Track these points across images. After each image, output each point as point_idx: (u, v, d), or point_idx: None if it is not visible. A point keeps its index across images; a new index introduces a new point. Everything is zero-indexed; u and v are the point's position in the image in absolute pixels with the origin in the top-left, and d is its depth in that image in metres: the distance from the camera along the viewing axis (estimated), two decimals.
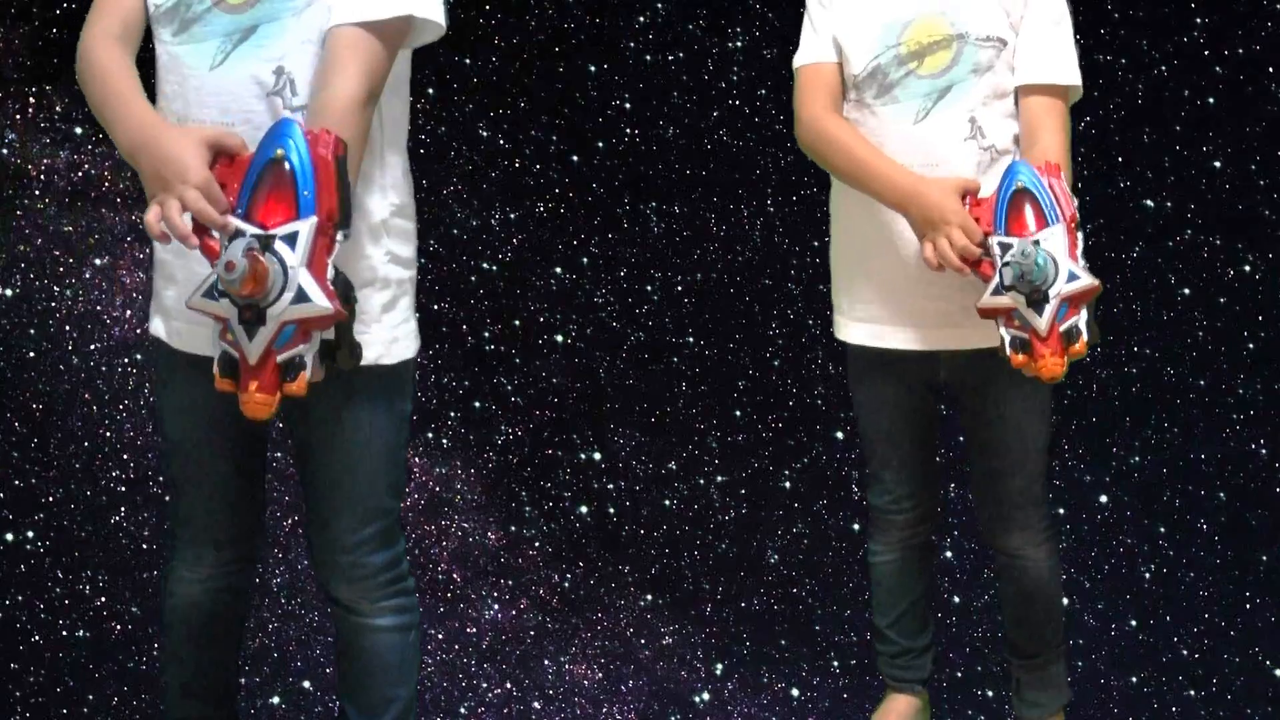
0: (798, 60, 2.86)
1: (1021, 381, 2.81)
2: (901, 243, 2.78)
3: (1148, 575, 4.25)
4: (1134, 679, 3.87)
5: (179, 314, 2.35)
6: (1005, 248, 2.48)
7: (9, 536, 4.08)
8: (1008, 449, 2.88)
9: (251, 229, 2.02)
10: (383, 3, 2.21)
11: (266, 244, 2.02)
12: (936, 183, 2.60)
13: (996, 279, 2.48)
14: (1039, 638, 3.01)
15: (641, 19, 4.48)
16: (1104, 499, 4.44)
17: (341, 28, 2.20)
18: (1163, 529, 4.36)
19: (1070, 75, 2.73)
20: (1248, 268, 4.46)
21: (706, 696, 3.72)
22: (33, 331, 4.22)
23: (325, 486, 2.42)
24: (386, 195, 2.37)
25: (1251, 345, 4.47)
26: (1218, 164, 4.41)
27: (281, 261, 2.01)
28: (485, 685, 4.15)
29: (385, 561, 2.45)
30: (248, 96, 2.24)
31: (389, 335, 2.39)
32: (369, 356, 2.31)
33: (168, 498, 2.57)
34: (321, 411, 2.37)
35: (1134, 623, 4.12)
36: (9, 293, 4.22)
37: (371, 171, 2.34)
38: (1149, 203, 4.43)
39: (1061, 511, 4.41)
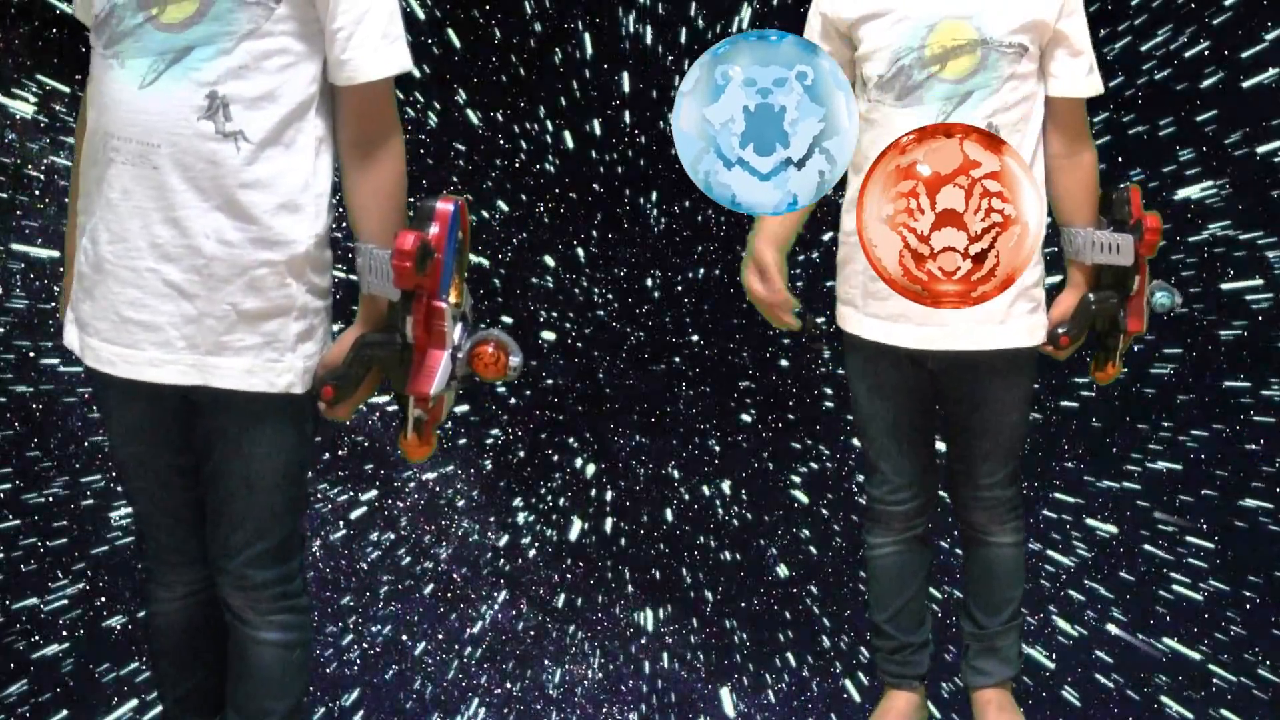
0: None
1: (1005, 380, 2.89)
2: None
3: (1149, 577, 4.24)
4: (1134, 681, 3.86)
5: (94, 330, 2.33)
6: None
7: (7, 536, 4.08)
8: (983, 438, 2.95)
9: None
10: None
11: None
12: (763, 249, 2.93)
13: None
14: (994, 613, 3.08)
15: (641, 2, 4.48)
16: (1106, 500, 4.43)
17: None
18: (1165, 529, 4.35)
19: (1099, 85, 2.81)
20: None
21: (707, 698, 3.71)
22: (32, 331, 4.23)
23: (222, 501, 2.40)
24: (312, 225, 2.35)
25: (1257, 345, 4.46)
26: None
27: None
28: (485, 685, 4.14)
29: (276, 576, 2.44)
30: (175, 118, 2.22)
31: (303, 364, 2.37)
32: (280, 384, 2.33)
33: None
34: (233, 432, 2.37)
35: (1134, 624, 4.11)
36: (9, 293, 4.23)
37: (303, 201, 2.32)
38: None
39: (1091, 522, 4.41)
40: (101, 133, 2.27)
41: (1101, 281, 2.89)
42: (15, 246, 4.22)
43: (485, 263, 4.48)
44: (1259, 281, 4.45)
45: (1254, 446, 4.35)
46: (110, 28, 2.25)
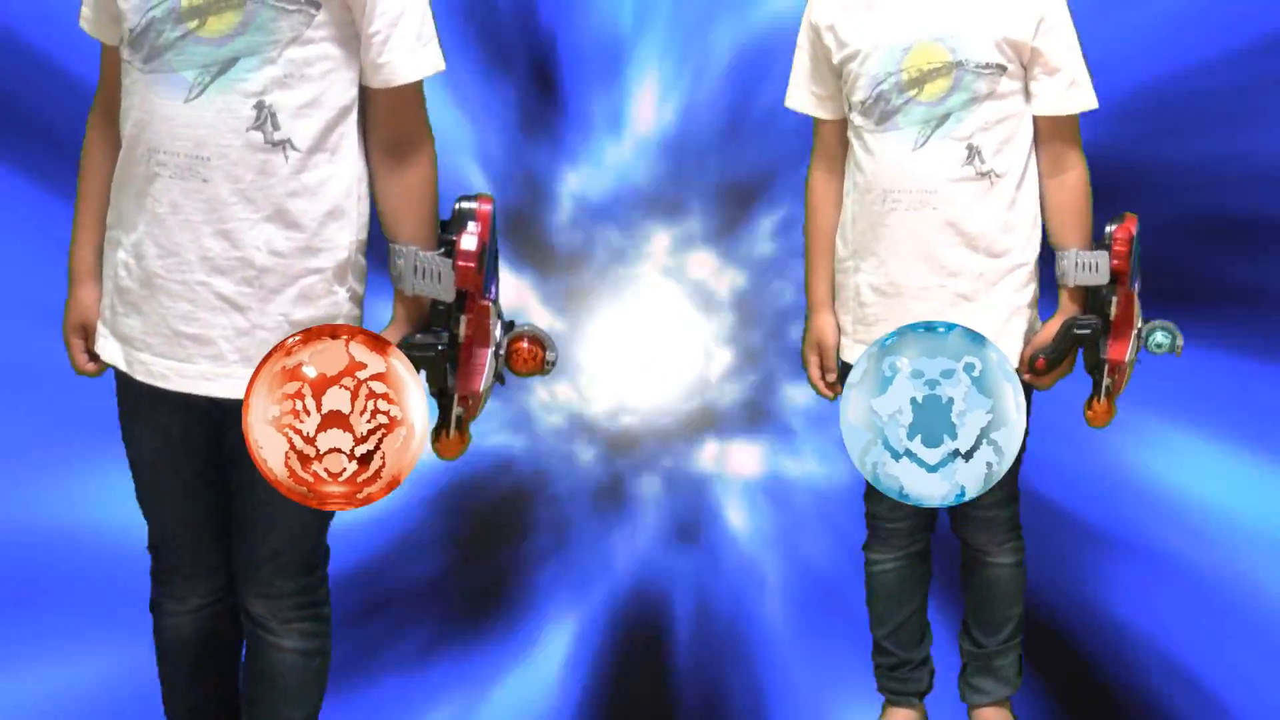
0: (792, 104, 2.93)
1: None
2: (893, 260, 2.80)
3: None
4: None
5: (144, 345, 2.34)
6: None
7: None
8: None
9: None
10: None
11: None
12: (824, 318, 2.98)
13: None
14: (992, 632, 3.11)
15: None
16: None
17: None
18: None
19: (1091, 99, 2.81)
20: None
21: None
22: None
23: (253, 509, 2.43)
24: (356, 230, 2.37)
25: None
26: None
27: None
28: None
29: (301, 585, 2.47)
30: (225, 130, 2.23)
31: None
32: None
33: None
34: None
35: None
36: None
37: (347, 207, 2.33)
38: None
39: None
40: (144, 148, 2.28)
41: (1087, 307, 2.86)
42: None
43: None
44: None
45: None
46: (148, 42, 2.25)
